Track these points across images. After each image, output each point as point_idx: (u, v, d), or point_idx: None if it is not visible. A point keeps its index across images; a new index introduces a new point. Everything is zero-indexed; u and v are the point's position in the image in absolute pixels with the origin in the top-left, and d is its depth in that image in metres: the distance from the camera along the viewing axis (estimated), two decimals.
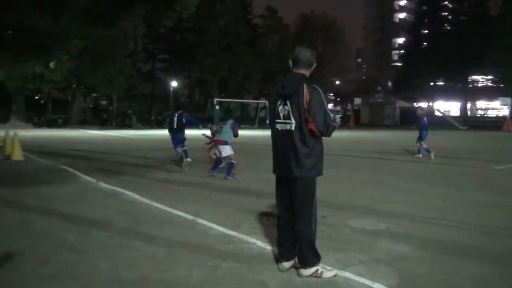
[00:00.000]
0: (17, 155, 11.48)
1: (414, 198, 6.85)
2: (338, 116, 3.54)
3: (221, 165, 8.93)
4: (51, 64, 27.26)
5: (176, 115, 10.15)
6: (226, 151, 8.63)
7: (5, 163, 10.75)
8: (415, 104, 51.56)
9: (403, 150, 15.61)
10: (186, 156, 10.17)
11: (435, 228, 5.07)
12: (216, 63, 46.44)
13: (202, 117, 47.18)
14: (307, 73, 3.55)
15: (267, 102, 48.49)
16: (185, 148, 10.29)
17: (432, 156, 12.65)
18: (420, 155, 13.35)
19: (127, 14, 21.03)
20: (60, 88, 36.37)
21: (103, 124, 39.00)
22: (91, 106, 50.32)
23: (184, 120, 10.08)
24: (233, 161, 8.68)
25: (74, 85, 38.62)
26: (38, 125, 34.48)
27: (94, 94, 46.56)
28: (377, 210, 5.93)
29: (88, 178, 8.46)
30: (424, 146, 13.17)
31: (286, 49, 49.28)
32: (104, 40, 32.69)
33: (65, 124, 36.66)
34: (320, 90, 3.42)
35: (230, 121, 8.88)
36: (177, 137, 10.14)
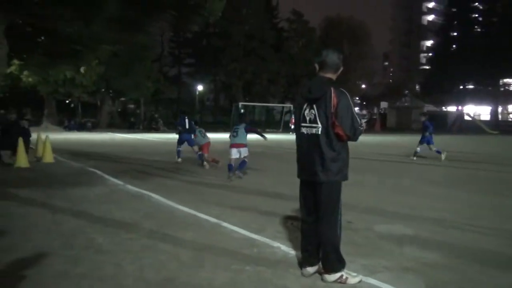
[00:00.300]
0: (48, 157, 11.81)
1: (443, 204, 6.69)
2: (363, 121, 3.50)
3: (244, 167, 9.43)
4: (82, 69, 27.98)
5: (187, 117, 12.02)
6: (245, 152, 9.23)
7: (37, 165, 11.07)
8: (443, 108, 50.50)
9: (431, 154, 15.29)
10: (178, 157, 11.95)
11: (465, 235, 4.94)
12: (241, 67, 46.68)
13: (227, 121, 47.55)
14: (333, 77, 3.52)
15: (292, 106, 48.50)
16: (180, 149, 12.11)
17: (414, 158, 13.73)
18: (420, 155, 14.03)
19: (155, 19, 21.41)
20: (89, 92, 37.32)
21: (131, 127, 39.72)
22: (119, 109, 51.37)
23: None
24: (246, 160, 9.32)
25: (103, 89, 39.52)
26: (69, 128, 35.41)
27: (122, 98, 47.51)
28: (404, 216, 5.83)
29: (116, 181, 8.63)
30: (418, 148, 13.86)
31: (311, 53, 49.10)
32: (132, 45, 33.38)
33: (94, 128, 37.52)
34: (348, 94, 3.39)
35: (243, 125, 9.39)
36: (188, 137, 11.80)
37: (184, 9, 14.82)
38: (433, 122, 14.20)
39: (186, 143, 11.95)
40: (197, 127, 11.93)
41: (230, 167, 9.10)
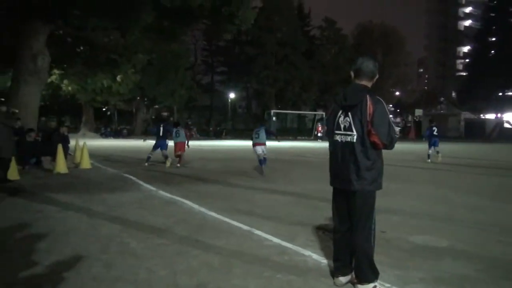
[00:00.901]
0: (85, 163, 12.19)
1: (480, 215, 6.46)
2: (397, 129, 3.44)
3: (264, 165, 11.37)
4: (118, 78, 28.82)
5: (162, 125, 13.37)
6: (265, 149, 11.50)
7: (75, 171, 11.44)
8: (481, 116, 48.94)
9: (468, 163, 14.83)
10: (167, 157, 13.05)
11: (503, 248, 4.75)
12: (273, 74, 46.83)
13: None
14: (369, 84, 3.46)
15: (324, 113, 48.18)
16: (150, 155, 13.25)
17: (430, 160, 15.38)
18: (429, 160, 15.50)
19: (189, 29, 21.83)
20: (125, 100, 38.33)
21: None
22: (153, 117, 52.41)
23: (166, 129, 13.29)
24: (266, 157, 11.60)
25: (138, 97, 40.49)
26: (105, 135, 36.44)
27: (156, 106, 48.52)
28: (440, 227, 5.66)
29: (149, 187, 8.80)
30: (430, 151, 15.52)
31: (343, 60, 48.77)
32: (166, 54, 34.16)
33: (129, 134, 38.45)
34: (384, 102, 3.34)
35: (263, 127, 11.76)
36: (161, 143, 13.18)
37: (217, 18, 15.06)
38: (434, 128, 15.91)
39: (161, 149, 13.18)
40: (178, 127, 13.53)
41: (261, 162, 11.26)
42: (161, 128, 13.27)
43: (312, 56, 49.99)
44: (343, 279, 3.55)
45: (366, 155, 3.32)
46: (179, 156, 13.05)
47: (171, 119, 42.95)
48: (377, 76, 3.50)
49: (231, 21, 14.84)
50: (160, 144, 13.20)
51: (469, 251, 4.58)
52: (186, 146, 14.98)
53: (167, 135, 13.24)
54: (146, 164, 12.91)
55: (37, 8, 13.00)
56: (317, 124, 39.06)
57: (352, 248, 3.46)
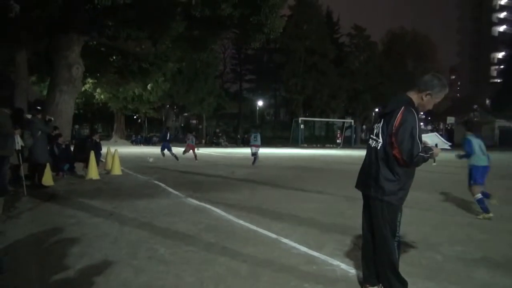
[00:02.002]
0: (116, 170, 12.45)
1: None
2: (430, 152, 3.22)
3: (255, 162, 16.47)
4: (149, 86, 29.39)
5: (166, 131, 19.20)
6: (258, 150, 16.67)
7: (106, 177, 11.69)
8: None
9: (505, 173, 14.34)
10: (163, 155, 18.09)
11: None
12: (302, 82, 46.71)
13: (287, 136, 47.42)
14: (416, 97, 3.31)
15: (352, 121, 47.65)
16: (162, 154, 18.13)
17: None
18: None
19: (218, 38, 22.08)
20: (155, 108, 39.02)
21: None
22: (182, 124, 53.10)
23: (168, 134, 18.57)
24: (257, 156, 16.75)
25: (168, 105, 41.14)
26: (136, 142, 37.11)
27: (185, 114, 49.17)
28: (473, 238, 5.47)
29: (178, 193, 8.89)
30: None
31: (373, 67, 48.19)
32: (196, 62, 34.65)
33: (159, 142, 39.05)
34: (417, 116, 3.16)
35: (259, 133, 17.54)
36: (167, 145, 17.87)
37: (246, 27, 15.16)
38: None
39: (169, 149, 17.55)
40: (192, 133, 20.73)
41: (254, 159, 16.62)
42: (168, 133, 18.66)
43: (341, 64, 49.63)
44: None
45: (387, 165, 3.23)
46: (193, 154, 18.93)
47: (200, 126, 43.39)
48: (429, 92, 3.28)
49: (260, 30, 14.91)
50: (167, 146, 17.78)
51: (504, 263, 4.41)
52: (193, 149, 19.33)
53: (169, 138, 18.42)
54: (151, 159, 17.88)
55: (73, 20, 13.46)
56: (349, 131, 38.65)
57: (376, 258, 3.39)
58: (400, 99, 3.32)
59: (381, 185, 3.23)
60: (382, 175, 3.23)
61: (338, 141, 33.86)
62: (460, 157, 7.34)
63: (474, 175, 7.00)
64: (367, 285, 3.51)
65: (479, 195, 6.83)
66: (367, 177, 3.37)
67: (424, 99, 3.29)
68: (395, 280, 3.29)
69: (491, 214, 6.66)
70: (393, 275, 3.29)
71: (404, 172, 3.23)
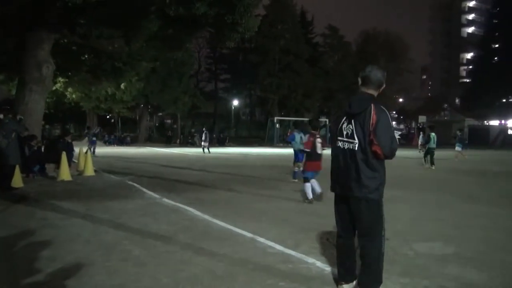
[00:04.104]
0: (89, 170, 12.21)
1: (485, 222, 6.41)
2: (397, 134, 3.43)
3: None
4: (122, 85, 28.93)
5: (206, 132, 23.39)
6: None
7: (78, 178, 11.46)
8: (485, 122, 48.79)
9: (474, 171, 14.77)
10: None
11: (510, 255, 4.70)
12: (277, 82, 46.90)
13: (263, 136, 47.49)
14: (375, 93, 3.45)
15: (327, 120, 48.10)
16: None
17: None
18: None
19: (193, 37, 21.92)
20: (129, 108, 38.46)
21: (168, 142, 40.48)
22: (157, 124, 52.47)
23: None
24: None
25: (142, 105, 40.60)
26: (109, 142, 36.49)
27: (160, 113, 48.62)
28: (444, 234, 5.61)
29: (153, 194, 8.80)
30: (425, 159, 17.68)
31: (347, 67, 48.81)
32: (170, 61, 34.29)
33: (133, 142, 38.52)
34: (388, 112, 3.33)
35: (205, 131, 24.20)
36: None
37: (221, 26, 15.09)
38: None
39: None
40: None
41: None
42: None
43: (315, 64, 50.08)
44: (346, 287, 3.54)
45: (367, 164, 3.30)
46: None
47: (175, 126, 43.01)
48: (383, 86, 3.48)
49: (234, 29, 14.86)
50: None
51: (475, 258, 4.54)
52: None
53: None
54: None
55: (43, 18, 13.11)
56: (324, 130, 38.77)
57: (360, 255, 3.43)
58: (364, 98, 3.40)
59: (365, 184, 3.29)
60: (364, 174, 3.29)
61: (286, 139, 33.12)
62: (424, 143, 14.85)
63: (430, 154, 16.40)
64: (343, 283, 3.56)
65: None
66: (346, 180, 3.38)
67: (379, 93, 3.48)
68: (373, 278, 3.35)
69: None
70: (374, 273, 3.35)
71: (381, 167, 3.35)
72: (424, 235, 5.54)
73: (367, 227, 3.36)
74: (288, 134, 37.88)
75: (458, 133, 23.23)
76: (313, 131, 8.10)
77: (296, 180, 10.80)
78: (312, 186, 7.96)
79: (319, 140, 7.89)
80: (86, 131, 23.66)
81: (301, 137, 10.69)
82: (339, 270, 3.63)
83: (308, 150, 7.92)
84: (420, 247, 4.95)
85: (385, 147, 3.21)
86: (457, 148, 21.08)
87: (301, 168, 9.13)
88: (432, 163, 16.11)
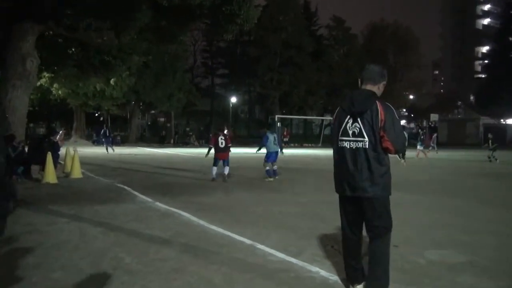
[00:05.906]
0: (76, 172, 12.21)
1: (502, 228, 6.41)
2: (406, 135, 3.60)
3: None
4: (112, 81, 28.91)
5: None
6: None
7: (65, 181, 11.46)
8: (502, 121, 48.77)
9: (488, 173, 14.77)
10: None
11: None
12: (278, 77, 46.69)
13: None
14: (377, 90, 3.60)
15: (332, 118, 47.95)
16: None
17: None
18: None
19: (187, 29, 21.91)
20: (119, 105, 38.38)
21: (161, 141, 40.41)
22: (149, 123, 52.43)
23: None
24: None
25: (133, 102, 40.51)
26: (97, 142, 36.44)
27: (152, 111, 48.53)
28: (457, 241, 5.62)
29: (145, 198, 8.80)
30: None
31: (353, 61, 48.64)
32: (164, 55, 34.25)
33: (123, 142, 38.47)
34: (393, 108, 3.51)
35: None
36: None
37: (218, 17, 15.09)
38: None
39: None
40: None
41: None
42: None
43: (319, 58, 49.91)
44: (359, 287, 3.65)
45: (378, 161, 3.44)
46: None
47: (168, 124, 43.04)
48: (384, 82, 3.63)
49: (232, 21, 14.85)
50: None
51: (490, 267, 4.55)
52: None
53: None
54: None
55: (26, 8, 13.10)
56: (328, 129, 38.69)
57: (370, 255, 3.53)
58: (367, 95, 3.54)
59: (378, 182, 3.43)
60: (377, 172, 3.44)
61: (285, 139, 32.45)
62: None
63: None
64: (355, 284, 3.67)
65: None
66: (356, 180, 3.48)
67: (380, 90, 3.62)
68: (383, 277, 3.49)
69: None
70: (384, 272, 3.49)
71: (389, 161, 3.54)
72: (435, 242, 5.54)
73: (378, 226, 3.49)
74: (285, 134, 37.86)
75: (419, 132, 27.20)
76: (217, 132, 12.19)
77: (272, 179, 12.01)
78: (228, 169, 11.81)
79: (222, 138, 11.61)
80: (102, 132, 26.71)
81: (274, 137, 12.45)
82: (348, 272, 3.74)
83: (211, 146, 12.02)
84: (431, 254, 4.95)
85: (397, 142, 3.41)
86: (419, 147, 22.48)
87: (275, 168, 12.39)
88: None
